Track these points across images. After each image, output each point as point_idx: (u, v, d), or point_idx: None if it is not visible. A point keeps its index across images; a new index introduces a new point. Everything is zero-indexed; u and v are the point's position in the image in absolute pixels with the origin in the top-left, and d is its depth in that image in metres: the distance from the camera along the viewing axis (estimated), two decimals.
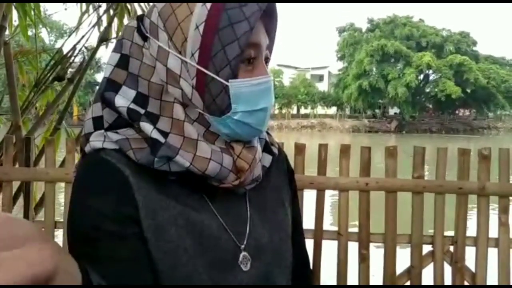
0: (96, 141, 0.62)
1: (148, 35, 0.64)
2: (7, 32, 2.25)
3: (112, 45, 2.52)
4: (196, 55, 0.60)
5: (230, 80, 0.60)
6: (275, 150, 0.76)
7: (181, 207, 0.61)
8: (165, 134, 0.61)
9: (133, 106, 0.62)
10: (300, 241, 0.80)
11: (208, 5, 0.60)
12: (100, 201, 0.58)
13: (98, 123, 0.64)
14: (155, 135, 0.60)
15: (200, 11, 0.60)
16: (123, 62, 0.64)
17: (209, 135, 0.64)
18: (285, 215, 0.75)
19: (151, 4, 0.67)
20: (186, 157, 0.60)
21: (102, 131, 0.63)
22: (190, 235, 0.60)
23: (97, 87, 0.69)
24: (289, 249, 0.72)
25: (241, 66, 0.62)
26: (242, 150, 0.65)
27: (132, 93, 0.63)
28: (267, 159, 0.72)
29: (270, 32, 0.69)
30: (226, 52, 0.59)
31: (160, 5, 0.64)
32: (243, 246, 0.64)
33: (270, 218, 0.71)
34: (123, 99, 0.62)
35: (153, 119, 0.62)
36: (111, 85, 0.63)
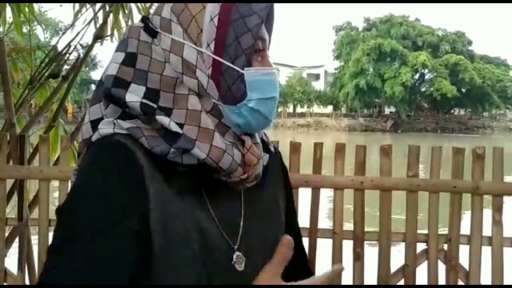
0: (106, 128, 0.62)
1: (158, 30, 0.65)
2: (0, 29, 2.23)
3: (107, 42, 2.51)
4: (212, 45, 0.63)
5: (245, 68, 0.63)
6: (272, 148, 0.77)
7: (187, 202, 0.62)
8: (180, 126, 0.62)
9: (145, 101, 0.61)
10: (296, 236, 0.80)
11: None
12: (109, 184, 0.56)
13: (97, 125, 0.63)
14: (174, 127, 0.61)
15: (213, 5, 0.64)
16: (129, 60, 0.64)
17: (220, 127, 0.65)
18: (279, 214, 0.75)
19: (154, 4, 0.69)
20: (203, 149, 0.61)
21: (111, 119, 0.62)
22: (194, 230, 0.60)
23: (94, 87, 0.69)
24: None
25: (253, 56, 0.65)
26: (252, 144, 0.67)
27: (142, 89, 0.62)
28: (265, 158, 0.74)
29: (268, 32, 0.72)
30: (240, 42, 0.63)
31: (170, 3, 0.66)
32: (236, 246, 0.65)
33: (264, 217, 0.71)
34: (134, 96, 0.62)
35: (166, 112, 0.62)
36: (119, 82, 0.63)
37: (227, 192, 0.66)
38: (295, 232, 0.80)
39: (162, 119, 0.61)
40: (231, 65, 0.63)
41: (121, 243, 0.55)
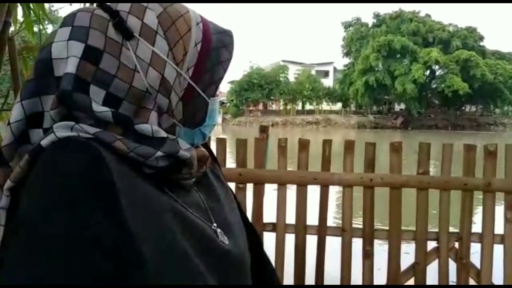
0: (65, 132, 0.53)
1: (137, 35, 0.59)
2: (12, 28, 2.26)
3: None
4: (191, 70, 0.65)
5: (211, 98, 0.68)
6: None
7: (170, 205, 0.58)
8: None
9: (113, 109, 0.56)
10: (246, 224, 0.83)
11: (200, 25, 0.66)
12: (71, 215, 0.47)
13: (33, 127, 0.56)
14: (160, 131, 0.59)
15: (196, 30, 0.65)
16: (92, 56, 0.57)
17: None
18: (231, 195, 0.80)
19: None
20: (186, 149, 0.62)
21: (72, 123, 0.55)
22: (188, 236, 0.57)
23: (27, 80, 0.58)
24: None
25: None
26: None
27: (101, 94, 0.57)
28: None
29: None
30: (214, 73, 0.67)
31: (154, 8, 0.62)
32: (214, 224, 0.67)
33: (220, 199, 0.74)
34: (97, 103, 0.56)
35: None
36: (81, 85, 0.55)
37: (181, 189, 0.67)
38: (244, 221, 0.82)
39: (143, 126, 0.57)
40: (203, 94, 0.66)
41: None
